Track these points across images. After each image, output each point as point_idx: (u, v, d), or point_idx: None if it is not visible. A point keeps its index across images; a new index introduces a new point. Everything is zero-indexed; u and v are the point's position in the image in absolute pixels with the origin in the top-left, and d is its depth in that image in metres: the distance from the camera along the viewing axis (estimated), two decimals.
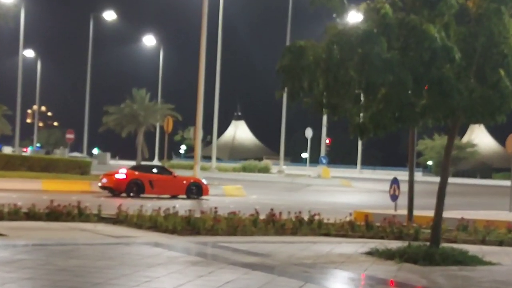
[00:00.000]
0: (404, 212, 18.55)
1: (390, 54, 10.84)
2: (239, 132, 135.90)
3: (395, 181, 20.65)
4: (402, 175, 28.44)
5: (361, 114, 11.98)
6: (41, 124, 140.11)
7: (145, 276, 9.01)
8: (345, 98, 11.51)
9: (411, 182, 18.51)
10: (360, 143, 78.61)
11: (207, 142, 77.80)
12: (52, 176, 32.14)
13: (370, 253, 12.28)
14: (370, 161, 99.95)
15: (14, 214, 15.53)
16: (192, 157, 47.05)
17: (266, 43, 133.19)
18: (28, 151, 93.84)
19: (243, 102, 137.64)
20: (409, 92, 11.13)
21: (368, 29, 10.90)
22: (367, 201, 32.84)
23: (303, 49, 11.27)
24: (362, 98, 11.63)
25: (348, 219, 16.85)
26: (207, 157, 72.92)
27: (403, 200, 19.84)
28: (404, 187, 19.75)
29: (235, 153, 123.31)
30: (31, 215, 15.69)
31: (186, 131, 77.79)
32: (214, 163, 65.75)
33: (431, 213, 13.35)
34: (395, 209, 20.10)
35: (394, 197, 20.47)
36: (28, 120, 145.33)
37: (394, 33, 10.97)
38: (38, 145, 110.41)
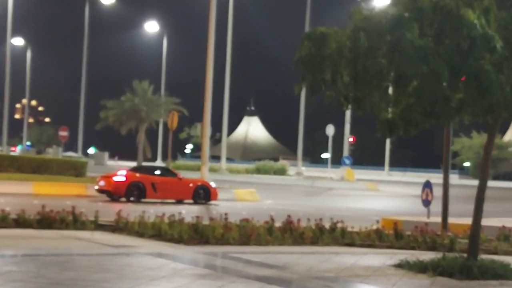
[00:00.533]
0: (438, 219, 18.49)
1: (424, 41, 10.79)
2: (252, 129, 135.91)
3: (428, 185, 20.59)
4: (436, 177, 28.33)
5: (390, 109, 11.95)
6: (31, 120, 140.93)
7: None
8: (374, 91, 11.48)
9: (446, 185, 18.45)
10: (388, 141, 78.38)
11: (216, 140, 77.78)
12: (44, 178, 32.31)
13: (399, 266, 12.26)
14: (400, 162, 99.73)
15: (2, 221, 15.62)
16: (199, 157, 47.16)
17: (283, 29, 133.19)
18: (17, 150, 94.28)
19: (257, 96, 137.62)
20: (444, 84, 11.08)
21: (398, 14, 10.87)
22: (396, 207, 32.79)
23: (324, 36, 11.24)
24: (391, 91, 11.59)
25: (375, 227, 16.82)
26: (216, 157, 73.03)
27: (437, 206, 19.78)
28: (438, 191, 19.69)
29: (247, 152, 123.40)
30: (21, 222, 15.77)
31: (193, 128, 77.67)
32: (224, 163, 65.85)
33: (468, 221, 13.29)
34: (428, 216, 20.05)
35: (426, 203, 20.42)
36: (17, 116, 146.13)
37: (427, 18, 10.93)
38: (28, 143, 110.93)
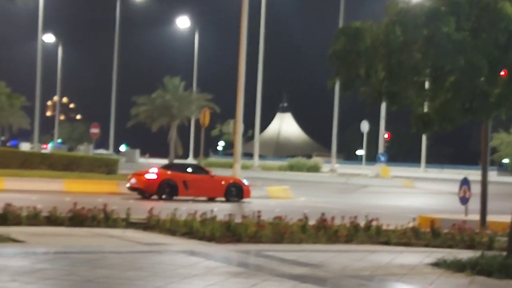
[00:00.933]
0: (476, 217, 18.35)
1: (460, 35, 10.71)
2: (285, 125, 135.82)
3: (465, 182, 20.44)
4: (474, 174, 28.13)
5: (426, 104, 11.88)
6: (62, 118, 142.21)
7: None
8: (409, 86, 11.42)
9: (484, 182, 18.30)
10: (424, 137, 77.88)
11: (248, 137, 77.91)
12: (75, 175, 32.61)
13: (436, 264, 12.18)
14: (437, 159, 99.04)
15: (34, 219, 15.80)
16: (231, 154, 47.27)
17: (316, 24, 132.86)
18: (48, 147, 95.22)
19: (290, 92, 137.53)
20: (482, 79, 10.99)
21: (434, 7, 10.80)
22: (433, 204, 32.58)
23: (359, 31, 11.21)
24: (427, 86, 11.53)
25: (411, 225, 16.74)
26: (248, 154, 73.13)
27: (475, 203, 19.63)
28: (476, 188, 19.53)
29: (280, 149, 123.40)
30: (52, 220, 15.94)
31: (225, 125, 77.94)
32: (256, 161, 65.94)
33: (507, 218, 13.18)
34: (466, 213, 19.91)
35: (464, 200, 20.27)
36: (48, 113, 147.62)
37: (464, 12, 10.85)
38: (59, 141, 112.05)
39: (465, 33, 10.87)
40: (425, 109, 11.84)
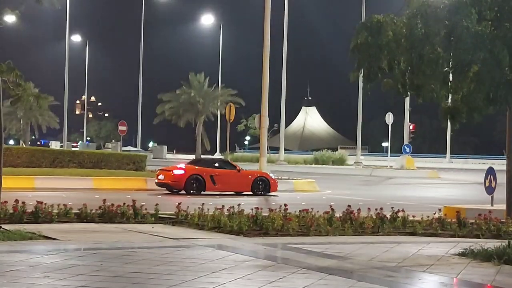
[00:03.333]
0: (502, 206, 18.19)
1: (482, 26, 10.64)
2: (310, 119, 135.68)
3: (491, 171, 20.28)
4: (499, 164, 27.89)
5: (450, 96, 11.82)
6: (90, 116, 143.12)
7: (209, 282, 9.13)
8: (432, 79, 11.37)
9: (509, 172, 18.11)
10: (449, 129, 77.38)
11: (274, 131, 77.98)
12: (104, 172, 32.79)
13: (463, 254, 12.12)
14: (462, 150, 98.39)
15: (64, 216, 15.93)
16: (257, 149, 47.28)
17: (339, 18, 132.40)
18: (78, 146, 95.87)
19: (314, 86, 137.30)
20: (506, 69, 10.91)
21: None
22: (459, 194, 32.38)
23: (381, 24, 11.18)
24: (450, 78, 11.47)
25: (437, 215, 16.65)
26: (274, 148, 73.13)
27: (500, 193, 19.47)
28: (502, 178, 19.37)
29: (305, 143, 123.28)
30: (83, 216, 16.07)
31: (250, 119, 78.14)
32: (282, 154, 65.94)
33: None
34: (492, 203, 19.76)
35: (490, 190, 20.12)
36: (77, 112, 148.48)
37: (485, 2, 10.77)
38: (87, 139, 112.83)
39: (487, 23, 10.79)
40: (450, 101, 11.78)
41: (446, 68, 11.33)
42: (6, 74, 13.31)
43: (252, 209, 15.71)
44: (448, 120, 11.77)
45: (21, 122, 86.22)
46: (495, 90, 11.04)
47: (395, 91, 11.89)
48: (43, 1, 13.15)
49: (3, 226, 13.15)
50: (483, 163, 59.96)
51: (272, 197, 27.68)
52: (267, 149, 40.03)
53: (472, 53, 10.62)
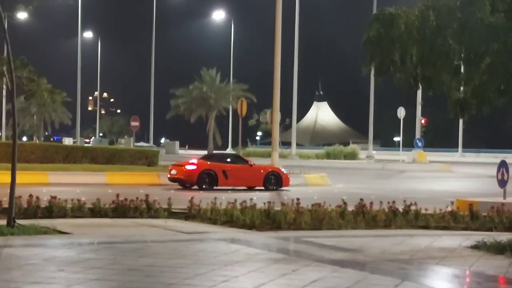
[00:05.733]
0: None
1: (495, 17, 10.59)
2: (322, 114, 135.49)
3: (503, 164, 20.21)
4: (511, 157, 27.75)
5: (461, 88, 11.78)
6: (103, 112, 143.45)
7: (222, 275, 9.14)
8: (443, 71, 11.33)
9: None
10: (461, 122, 77.10)
11: (285, 126, 77.93)
12: (117, 168, 32.87)
13: (476, 247, 12.09)
14: (473, 143, 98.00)
15: (78, 210, 16.00)
16: (269, 144, 47.30)
17: (350, 11, 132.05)
18: (91, 141, 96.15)
19: (325, 80, 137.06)
20: None
21: None
22: (471, 188, 32.28)
23: (393, 17, 11.14)
24: (462, 70, 11.42)
25: (449, 208, 16.62)
26: (286, 143, 73.11)
27: None
28: None
29: (317, 137, 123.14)
30: (96, 211, 16.13)
31: (262, 114, 78.10)
32: (294, 149, 65.90)
33: None
34: (504, 196, 19.70)
35: (502, 183, 20.05)
36: (89, 108, 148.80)
37: None
38: (100, 134, 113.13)
39: (500, 15, 10.74)
40: (462, 93, 11.74)
41: (458, 61, 11.29)
42: (20, 69, 13.38)
43: (264, 203, 15.73)
44: (456, 112, 11.71)
45: (35, 118, 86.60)
46: (507, 81, 11.00)
47: (407, 85, 11.85)
48: None
49: (18, 221, 13.21)
50: (495, 157, 59.65)
51: (284, 191, 27.68)
52: (279, 144, 39.99)
53: (485, 44, 10.57)
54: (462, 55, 11.07)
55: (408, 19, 11.11)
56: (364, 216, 15.55)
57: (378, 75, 11.55)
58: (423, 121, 63.35)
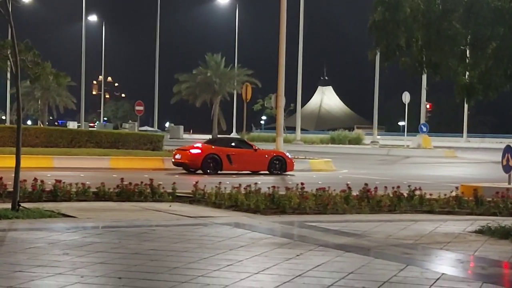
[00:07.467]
0: None
1: (501, 1, 10.54)
2: (326, 99, 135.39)
3: (508, 150, 20.17)
4: None
5: (467, 73, 11.74)
6: (107, 96, 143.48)
7: (226, 259, 9.16)
8: (449, 56, 11.29)
9: None
10: (466, 108, 76.99)
11: (290, 111, 77.83)
12: (122, 152, 32.89)
13: (480, 232, 12.09)
14: (479, 129, 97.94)
15: (83, 194, 16.03)
16: (273, 129, 47.27)
17: None
18: (95, 126, 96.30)
19: (330, 65, 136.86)
20: None
21: None
22: (476, 173, 32.27)
23: (398, 0, 11.09)
24: (468, 55, 11.38)
25: (454, 194, 16.60)
26: (290, 128, 73.08)
27: None
28: None
29: (322, 122, 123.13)
30: (101, 195, 16.15)
31: (267, 99, 77.99)
32: (298, 134, 65.86)
33: None
34: (509, 181, 19.67)
35: (507, 168, 20.03)
36: (94, 92, 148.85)
37: None
38: (104, 119, 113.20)
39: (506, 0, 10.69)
40: (468, 78, 11.69)
41: (464, 45, 11.25)
42: (24, 53, 13.37)
43: (268, 188, 15.73)
44: (463, 97, 11.68)
45: (39, 102, 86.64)
46: None
47: (412, 69, 11.82)
48: None
49: (23, 204, 13.25)
50: (500, 142, 59.56)
51: (288, 176, 27.69)
52: (284, 129, 39.96)
53: (491, 28, 10.52)
54: (468, 39, 11.02)
55: (414, 2, 11.06)
56: (368, 201, 15.56)
57: (384, 59, 11.51)
58: (428, 106, 63.20)
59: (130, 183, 16.49)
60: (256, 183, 16.42)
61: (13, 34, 13.11)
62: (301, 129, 70.68)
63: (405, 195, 16.14)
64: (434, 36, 10.97)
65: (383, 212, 15.08)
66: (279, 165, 28.78)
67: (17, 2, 14.28)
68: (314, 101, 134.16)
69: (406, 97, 62.82)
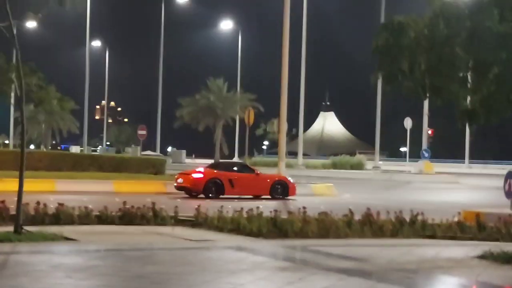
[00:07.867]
0: None
1: (504, 27, 10.59)
2: (328, 124, 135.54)
3: (510, 176, 20.15)
4: None
5: (469, 98, 11.77)
6: (110, 121, 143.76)
7: (228, 282, 9.14)
8: (450, 80, 11.33)
9: None
10: (468, 133, 77.00)
11: (292, 136, 77.90)
12: (124, 176, 32.88)
13: (483, 257, 12.06)
14: (481, 155, 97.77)
15: (85, 218, 15.99)
16: (275, 153, 47.24)
17: (358, 21, 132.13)
18: (98, 150, 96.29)
19: (332, 91, 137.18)
20: None
21: None
22: (478, 199, 32.20)
23: (402, 25, 11.15)
24: (470, 80, 11.42)
25: (456, 219, 16.57)
26: (292, 153, 73.02)
27: None
28: None
29: (324, 147, 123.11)
30: (103, 219, 16.13)
31: (269, 124, 78.14)
32: (300, 159, 65.83)
33: None
34: (511, 207, 19.62)
35: (509, 194, 19.99)
36: (97, 117, 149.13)
37: (508, 3, 10.72)
38: (107, 143, 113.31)
39: (509, 24, 10.74)
40: (470, 103, 11.72)
41: (465, 70, 11.28)
42: (29, 76, 13.46)
43: (270, 212, 15.71)
44: (464, 122, 11.70)
45: (42, 126, 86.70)
46: None
47: (415, 94, 11.84)
48: (66, 1, 13.24)
49: (25, 227, 13.23)
50: (503, 169, 59.43)
51: (290, 200, 27.63)
52: (286, 154, 39.96)
53: (493, 53, 10.56)
54: (470, 64, 11.06)
55: (417, 27, 11.12)
56: (371, 226, 15.51)
57: (386, 83, 11.55)
58: (430, 132, 63.20)
59: (132, 207, 16.47)
60: (258, 207, 16.41)
61: (18, 57, 13.18)
62: (303, 154, 70.65)
63: (408, 220, 16.11)
64: (436, 61, 11.01)
65: (386, 237, 15.05)
66: (281, 189, 28.74)
67: (21, 27, 14.38)
68: (316, 127, 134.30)
69: (408, 123, 62.84)
